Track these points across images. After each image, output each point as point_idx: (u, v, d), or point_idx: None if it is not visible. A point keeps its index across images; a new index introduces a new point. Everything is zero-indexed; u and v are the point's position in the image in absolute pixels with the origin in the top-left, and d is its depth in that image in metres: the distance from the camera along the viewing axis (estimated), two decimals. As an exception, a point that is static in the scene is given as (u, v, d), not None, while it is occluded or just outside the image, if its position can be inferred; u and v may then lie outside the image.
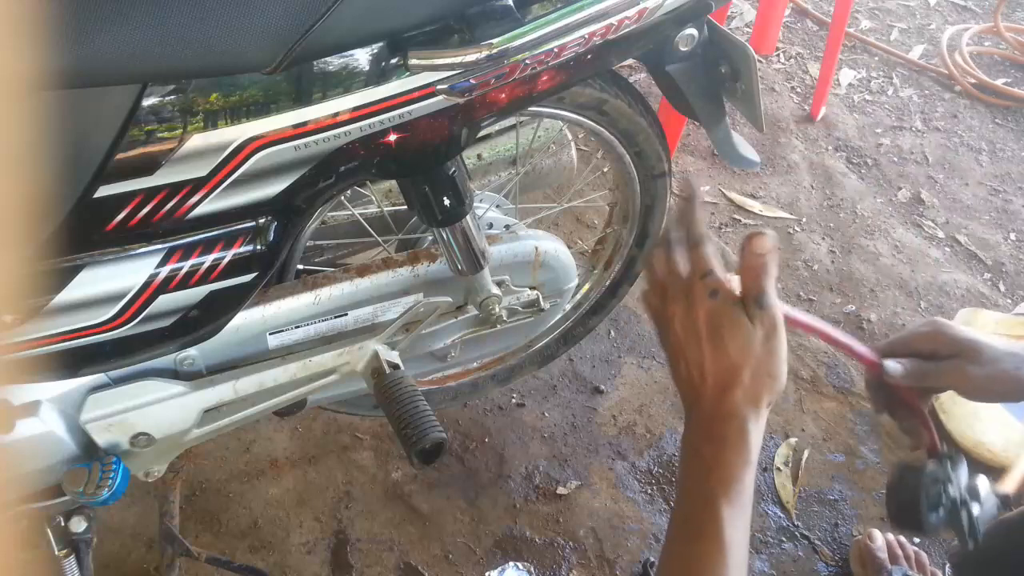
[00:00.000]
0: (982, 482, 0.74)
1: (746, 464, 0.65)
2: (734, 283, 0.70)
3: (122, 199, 0.70)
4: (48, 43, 0.57)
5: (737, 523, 0.64)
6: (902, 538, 1.33)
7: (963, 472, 0.74)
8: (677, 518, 0.68)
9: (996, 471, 1.46)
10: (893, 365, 0.76)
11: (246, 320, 0.93)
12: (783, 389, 0.69)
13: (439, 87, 0.74)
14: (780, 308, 0.69)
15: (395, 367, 1.00)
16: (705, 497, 0.65)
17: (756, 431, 0.66)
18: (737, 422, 0.66)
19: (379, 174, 0.84)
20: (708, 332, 0.68)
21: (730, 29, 1.47)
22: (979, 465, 1.47)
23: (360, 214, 1.11)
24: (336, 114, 0.73)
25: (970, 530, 0.71)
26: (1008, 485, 0.75)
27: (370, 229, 1.12)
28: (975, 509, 0.71)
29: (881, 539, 1.31)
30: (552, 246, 1.13)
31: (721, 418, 0.66)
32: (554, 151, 1.28)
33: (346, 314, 1.00)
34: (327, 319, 0.99)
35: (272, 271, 0.84)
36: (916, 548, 1.32)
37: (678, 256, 0.72)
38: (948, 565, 1.31)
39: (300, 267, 1.05)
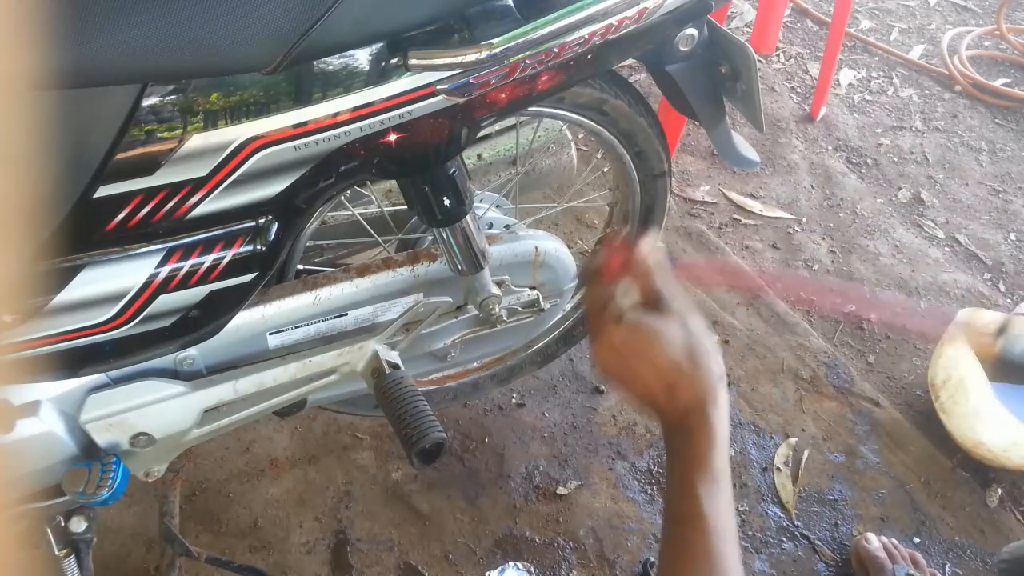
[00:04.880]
0: None
1: (713, 445, 0.68)
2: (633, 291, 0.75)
3: (122, 199, 0.70)
4: (48, 43, 0.57)
5: (716, 498, 0.66)
6: (895, 540, 1.35)
7: None
8: (664, 510, 0.72)
9: (996, 471, 1.47)
10: None
11: (246, 320, 0.93)
12: (722, 363, 0.72)
13: (439, 87, 0.74)
14: (680, 295, 0.73)
15: (395, 367, 1.00)
16: (682, 483, 0.68)
17: (717, 414, 0.69)
18: (696, 412, 0.69)
19: (379, 174, 0.84)
20: (630, 352, 0.72)
21: (730, 29, 1.47)
22: (979, 464, 1.47)
23: (360, 214, 1.11)
24: (336, 114, 0.73)
25: None
26: None
27: (370, 229, 1.12)
28: None
29: (877, 541, 1.34)
30: (552, 246, 1.13)
31: (681, 412, 0.69)
32: (554, 151, 1.28)
33: (346, 314, 1.00)
34: (327, 319, 0.99)
35: (272, 271, 0.84)
36: (910, 550, 1.33)
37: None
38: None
39: (300, 267, 1.05)
